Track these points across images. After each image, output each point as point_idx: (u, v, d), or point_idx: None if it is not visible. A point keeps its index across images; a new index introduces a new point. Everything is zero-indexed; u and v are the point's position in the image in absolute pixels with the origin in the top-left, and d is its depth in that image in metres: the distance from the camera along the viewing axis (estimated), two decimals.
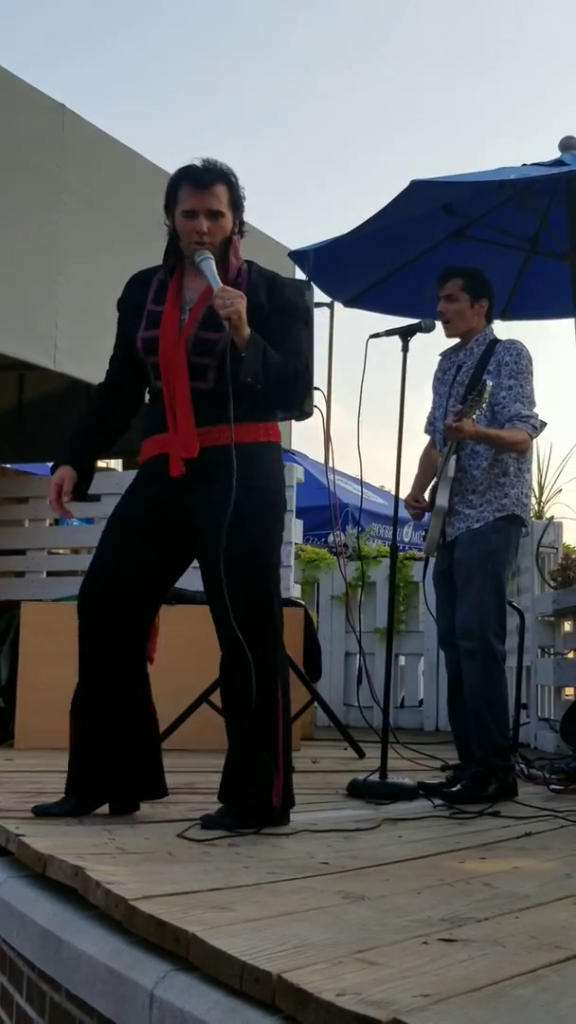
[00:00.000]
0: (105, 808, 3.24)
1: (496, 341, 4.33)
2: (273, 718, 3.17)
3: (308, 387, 3.32)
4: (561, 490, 8.77)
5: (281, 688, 3.20)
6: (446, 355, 4.50)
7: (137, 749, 3.27)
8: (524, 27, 27.34)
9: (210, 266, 3.18)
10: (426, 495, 4.46)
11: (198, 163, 3.26)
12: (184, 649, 4.60)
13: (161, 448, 3.24)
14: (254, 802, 3.12)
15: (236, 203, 3.30)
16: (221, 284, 3.14)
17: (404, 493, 4.40)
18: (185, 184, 3.24)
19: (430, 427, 4.57)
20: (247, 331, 3.11)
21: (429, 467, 4.53)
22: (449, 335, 4.43)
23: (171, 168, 3.36)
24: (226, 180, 3.28)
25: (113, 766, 3.23)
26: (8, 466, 8.51)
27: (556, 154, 4.77)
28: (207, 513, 3.14)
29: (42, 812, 3.12)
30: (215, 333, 3.16)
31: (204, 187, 3.23)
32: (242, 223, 3.35)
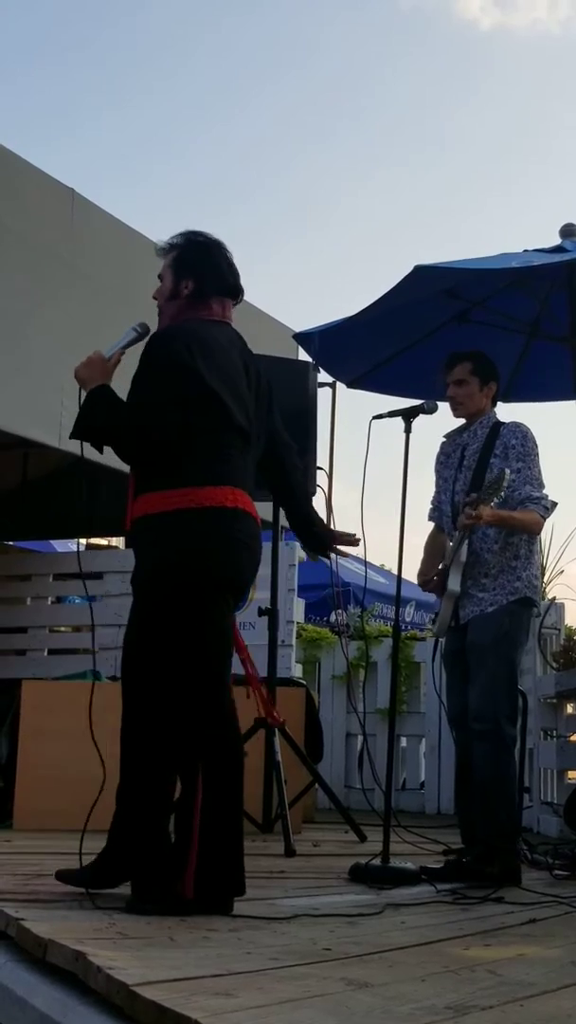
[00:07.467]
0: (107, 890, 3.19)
1: (500, 424, 4.38)
2: (188, 799, 3.02)
3: (127, 432, 3.19)
4: (563, 571, 8.76)
5: (205, 769, 3.04)
6: (450, 437, 4.54)
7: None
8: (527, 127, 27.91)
9: (125, 336, 3.36)
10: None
11: None
12: None
13: None
14: (149, 895, 2.99)
15: (176, 264, 3.34)
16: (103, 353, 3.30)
17: (406, 573, 4.41)
18: None
19: (435, 512, 4.59)
20: (89, 388, 3.23)
21: (435, 553, 4.54)
22: (458, 416, 4.49)
23: None
24: (168, 249, 3.38)
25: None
26: (11, 543, 8.53)
27: (556, 240, 4.86)
28: None
29: (65, 878, 3.13)
30: None
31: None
32: (197, 289, 3.31)
